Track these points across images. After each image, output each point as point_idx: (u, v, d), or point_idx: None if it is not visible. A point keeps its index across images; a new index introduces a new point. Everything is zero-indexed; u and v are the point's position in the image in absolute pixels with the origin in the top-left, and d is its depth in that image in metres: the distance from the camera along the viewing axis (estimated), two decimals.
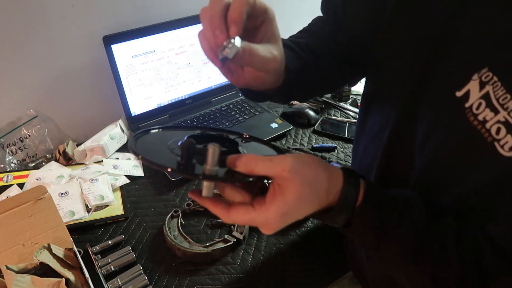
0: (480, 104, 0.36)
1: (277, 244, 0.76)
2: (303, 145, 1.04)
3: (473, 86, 0.37)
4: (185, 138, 0.42)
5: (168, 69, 1.08)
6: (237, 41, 0.39)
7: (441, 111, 0.42)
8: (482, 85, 0.36)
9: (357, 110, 1.18)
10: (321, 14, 0.67)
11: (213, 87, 1.18)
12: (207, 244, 0.73)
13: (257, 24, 0.44)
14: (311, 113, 1.13)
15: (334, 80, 0.63)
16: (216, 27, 0.39)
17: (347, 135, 1.06)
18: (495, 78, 0.35)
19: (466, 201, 0.42)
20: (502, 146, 0.35)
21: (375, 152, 0.54)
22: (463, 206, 0.43)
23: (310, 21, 0.71)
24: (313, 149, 1.02)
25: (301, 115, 1.13)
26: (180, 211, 0.80)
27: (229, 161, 0.40)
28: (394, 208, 0.42)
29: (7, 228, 0.62)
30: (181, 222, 0.79)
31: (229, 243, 0.73)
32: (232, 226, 0.77)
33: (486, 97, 0.36)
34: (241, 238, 0.75)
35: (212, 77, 1.17)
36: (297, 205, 0.39)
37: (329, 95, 1.26)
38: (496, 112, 0.35)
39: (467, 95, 0.38)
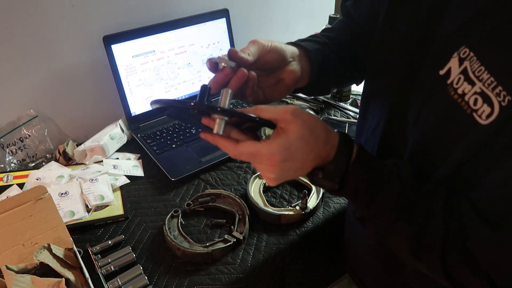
0: (459, 79, 0.40)
1: (277, 244, 0.76)
2: None
3: (453, 63, 0.41)
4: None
5: (168, 69, 1.08)
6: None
7: (428, 91, 0.45)
8: (461, 61, 0.40)
9: (357, 110, 1.18)
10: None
11: None
12: (207, 244, 0.73)
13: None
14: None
15: (353, 69, 0.66)
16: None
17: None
18: (472, 54, 0.39)
19: (454, 174, 0.45)
20: (480, 116, 0.39)
21: (374, 142, 0.57)
22: (451, 180, 0.46)
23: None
24: None
25: None
26: (180, 211, 0.80)
27: (241, 110, 0.46)
28: (383, 166, 0.47)
29: (7, 228, 0.62)
30: (181, 222, 0.79)
31: (229, 243, 0.73)
32: (232, 226, 0.78)
33: (464, 72, 0.39)
34: (241, 238, 0.75)
35: (212, 77, 1.17)
36: (298, 143, 0.43)
37: (329, 95, 1.26)
38: (473, 84, 0.39)
39: (448, 72, 0.41)
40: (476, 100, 0.38)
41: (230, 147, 0.44)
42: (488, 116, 0.38)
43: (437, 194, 0.45)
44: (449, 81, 0.41)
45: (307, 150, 0.44)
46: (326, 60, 0.60)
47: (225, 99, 0.46)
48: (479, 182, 0.43)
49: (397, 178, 0.46)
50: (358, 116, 0.66)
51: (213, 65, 0.51)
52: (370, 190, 0.46)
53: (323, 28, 1.22)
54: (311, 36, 0.64)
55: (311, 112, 0.46)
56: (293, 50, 0.57)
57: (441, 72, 0.42)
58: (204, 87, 0.47)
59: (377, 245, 0.52)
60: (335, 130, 0.48)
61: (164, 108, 0.49)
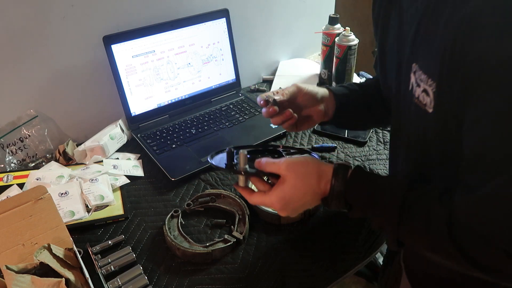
0: (416, 86, 0.51)
1: (277, 244, 0.76)
2: (303, 145, 1.04)
3: (413, 78, 0.52)
4: (227, 149, 0.66)
5: (168, 69, 1.08)
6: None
7: (406, 106, 0.56)
8: (414, 74, 0.51)
9: None
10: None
11: (213, 87, 1.18)
12: (207, 244, 0.73)
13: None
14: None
15: (379, 113, 0.79)
16: None
17: (347, 135, 1.06)
18: (417, 66, 0.51)
19: (446, 166, 0.53)
20: (428, 107, 0.49)
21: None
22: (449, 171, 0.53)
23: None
24: (313, 149, 1.01)
25: None
26: (180, 211, 0.80)
27: (255, 163, 0.62)
28: (378, 178, 0.59)
29: (7, 228, 0.62)
30: (181, 222, 0.79)
31: (229, 243, 0.73)
32: (232, 226, 0.78)
33: (415, 81, 0.51)
34: (241, 238, 0.75)
35: (212, 77, 1.17)
36: (292, 191, 0.58)
37: None
38: (419, 86, 0.50)
39: (412, 86, 0.52)
40: (423, 96, 0.50)
41: (247, 197, 0.63)
42: (430, 104, 0.49)
43: (432, 189, 0.51)
44: (413, 92, 0.52)
45: (301, 195, 0.58)
46: (350, 103, 0.76)
47: (243, 161, 0.61)
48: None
49: (391, 187, 0.54)
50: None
51: (265, 102, 0.70)
52: (370, 203, 0.54)
53: (323, 28, 1.22)
54: (349, 84, 0.81)
55: (307, 156, 0.66)
56: (324, 92, 0.75)
57: (409, 88, 0.53)
58: (229, 152, 0.65)
59: (399, 249, 0.58)
60: (334, 163, 0.59)
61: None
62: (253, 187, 0.66)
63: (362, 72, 1.36)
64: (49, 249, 0.63)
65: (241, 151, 0.61)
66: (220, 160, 0.68)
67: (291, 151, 0.73)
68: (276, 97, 0.70)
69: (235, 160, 0.64)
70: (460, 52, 0.42)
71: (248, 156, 0.62)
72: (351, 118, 0.79)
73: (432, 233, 0.49)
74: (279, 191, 0.58)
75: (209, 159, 0.68)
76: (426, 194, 0.51)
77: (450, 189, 0.49)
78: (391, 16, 0.61)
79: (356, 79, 1.27)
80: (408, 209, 0.51)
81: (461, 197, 0.47)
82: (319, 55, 1.32)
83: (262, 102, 0.70)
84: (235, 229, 0.77)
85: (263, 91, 1.31)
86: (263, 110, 0.71)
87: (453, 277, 0.60)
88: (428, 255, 0.53)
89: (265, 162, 0.60)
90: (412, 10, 0.53)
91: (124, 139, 1.04)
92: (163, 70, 1.07)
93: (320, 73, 1.31)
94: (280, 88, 0.72)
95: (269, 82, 1.35)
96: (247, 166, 0.61)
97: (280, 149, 0.72)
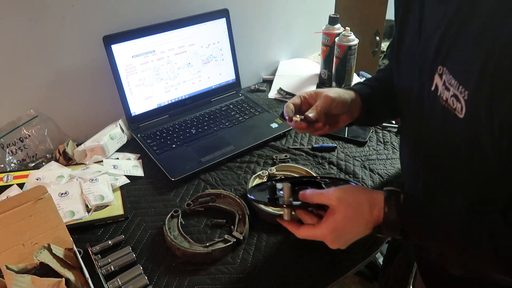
0: (443, 89, 0.50)
1: (277, 244, 0.76)
2: (303, 145, 1.04)
3: (437, 79, 0.52)
4: (269, 183, 0.66)
5: (168, 69, 1.08)
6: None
7: (429, 106, 0.55)
8: (440, 76, 0.51)
9: None
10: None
11: (213, 87, 1.18)
12: (207, 244, 0.73)
13: (309, 103, 0.72)
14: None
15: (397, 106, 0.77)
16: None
17: (347, 135, 1.06)
18: (445, 69, 0.50)
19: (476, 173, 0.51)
20: (459, 112, 0.48)
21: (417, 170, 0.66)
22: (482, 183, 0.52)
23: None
24: (313, 149, 1.02)
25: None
26: (180, 211, 0.80)
27: (300, 195, 0.61)
28: (431, 206, 0.55)
29: (7, 228, 0.62)
30: (181, 222, 0.79)
31: (229, 243, 0.73)
32: (232, 226, 0.78)
33: (444, 83, 0.50)
34: (241, 238, 0.75)
35: (212, 77, 1.17)
36: (344, 222, 0.55)
37: None
38: (448, 90, 0.49)
39: (436, 87, 0.52)
40: (453, 101, 0.48)
41: (294, 231, 0.60)
42: (461, 110, 0.48)
43: (490, 211, 0.50)
44: (438, 93, 0.51)
45: (354, 226, 0.55)
46: (375, 104, 0.74)
47: (287, 194, 0.59)
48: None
49: (448, 211, 0.52)
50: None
51: (290, 119, 0.68)
52: (429, 230, 0.53)
53: (323, 28, 1.22)
54: (367, 80, 0.81)
55: (356, 185, 0.63)
56: (352, 97, 0.72)
57: (432, 88, 0.53)
58: (271, 185, 0.65)
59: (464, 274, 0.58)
60: (384, 189, 0.56)
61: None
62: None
63: (362, 72, 1.36)
64: (49, 249, 0.63)
65: (285, 183, 0.61)
66: (260, 194, 0.68)
67: (328, 181, 0.71)
68: (311, 115, 0.67)
69: (277, 193, 0.63)
70: (502, 73, 0.41)
71: (276, 185, 0.62)
72: (375, 118, 0.80)
73: (501, 255, 0.48)
74: (330, 222, 0.56)
75: (249, 195, 0.66)
76: (488, 214, 0.49)
77: (505, 208, 0.48)
78: (411, 10, 0.59)
79: (356, 79, 1.27)
80: (470, 233, 0.50)
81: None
82: (319, 55, 1.32)
83: (288, 117, 0.68)
84: (235, 229, 0.77)
85: (263, 91, 1.31)
86: (291, 123, 0.69)
87: (469, 277, 0.60)
88: (497, 277, 0.52)
89: (311, 194, 0.59)
90: (440, 10, 0.51)
91: (124, 139, 1.04)
92: (163, 70, 1.07)
93: (320, 73, 1.31)
94: (295, 96, 0.72)
95: (269, 82, 1.35)
96: (291, 199, 0.60)
97: (319, 179, 0.72)
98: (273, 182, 0.66)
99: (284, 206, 0.60)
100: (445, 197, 0.57)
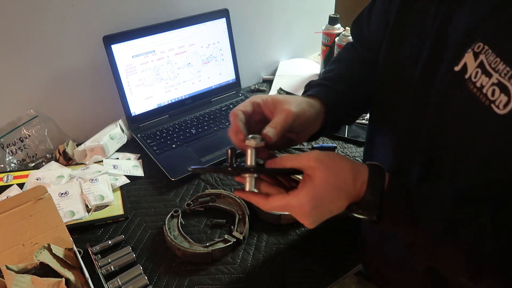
0: (477, 72, 0.41)
1: (277, 244, 0.76)
2: (303, 144, 1.04)
3: (468, 58, 0.42)
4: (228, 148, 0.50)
5: (168, 69, 1.08)
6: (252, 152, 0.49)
7: (445, 89, 0.46)
8: (476, 55, 0.41)
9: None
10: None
11: (213, 87, 1.18)
12: (207, 244, 0.73)
13: (259, 111, 0.55)
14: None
15: (368, 100, 0.67)
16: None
17: (347, 135, 1.06)
18: (486, 47, 0.40)
19: (483, 171, 0.45)
20: (497, 106, 0.39)
21: (386, 152, 0.58)
22: (483, 184, 0.46)
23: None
24: (313, 149, 1.02)
25: None
26: (180, 211, 0.80)
27: (266, 164, 0.49)
28: (420, 191, 0.47)
29: (7, 228, 0.62)
30: (181, 222, 0.79)
31: (229, 243, 0.73)
32: (232, 226, 0.77)
33: (481, 65, 0.41)
34: (241, 238, 0.75)
35: (212, 77, 1.17)
36: (325, 189, 0.44)
37: None
38: (490, 76, 0.40)
39: (465, 67, 0.42)
40: (493, 91, 0.39)
41: (261, 202, 0.47)
42: (505, 105, 0.39)
43: (482, 211, 0.44)
44: (467, 76, 0.42)
45: (335, 194, 0.45)
46: (339, 110, 0.61)
47: (251, 158, 0.48)
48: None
49: (436, 202, 0.45)
50: (368, 122, 0.69)
51: (238, 138, 0.51)
52: (410, 218, 0.45)
53: (323, 28, 1.22)
54: (329, 79, 0.64)
55: (335, 152, 0.50)
56: (318, 111, 0.58)
57: (456, 69, 0.43)
58: (231, 150, 0.49)
59: (427, 270, 0.51)
60: (367, 163, 0.48)
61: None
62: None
63: None
64: (49, 249, 0.63)
65: (247, 148, 0.48)
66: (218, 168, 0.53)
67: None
68: (270, 134, 0.50)
69: (237, 161, 0.50)
70: None
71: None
72: (338, 127, 0.66)
73: (479, 266, 0.43)
74: (308, 187, 0.45)
75: (191, 167, 0.51)
76: (476, 216, 0.43)
77: (501, 209, 0.43)
78: None
79: None
80: (453, 233, 0.44)
81: None
82: (319, 55, 1.32)
83: (235, 134, 0.51)
84: (235, 229, 0.77)
85: (263, 91, 1.31)
86: (230, 130, 0.52)
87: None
88: (462, 280, 0.46)
89: (284, 157, 0.48)
90: None
91: (124, 139, 1.04)
92: (163, 70, 1.07)
93: (320, 73, 1.31)
94: (277, 91, 0.59)
95: (269, 82, 1.35)
96: (257, 162, 0.49)
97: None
98: (232, 147, 0.50)
99: (249, 171, 0.47)
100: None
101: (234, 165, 0.47)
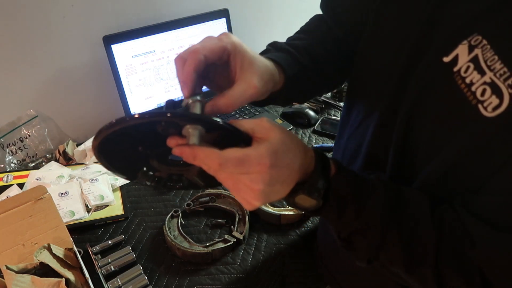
0: (468, 67, 0.37)
1: (277, 244, 0.76)
2: None
3: (461, 50, 0.38)
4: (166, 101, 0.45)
5: (168, 69, 1.08)
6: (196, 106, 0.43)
7: (431, 79, 0.41)
8: (471, 49, 0.37)
9: None
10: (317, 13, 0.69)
11: None
12: (207, 244, 0.73)
13: (224, 60, 0.45)
14: (311, 113, 1.13)
15: (334, 78, 0.63)
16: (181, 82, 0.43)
17: None
18: (485, 41, 0.36)
19: (447, 172, 0.42)
20: (485, 108, 0.36)
21: (361, 138, 0.54)
22: (443, 180, 0.43)
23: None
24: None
25: (301, 115, 1.13)
26: (180, 211, 0.80)
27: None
28: (365, 178, 0.45)
29: (7, 228, 0.62)
30: (181, 222, 0.79)
31: (229, 243, 0.73)
32: (232, 226, 0.77)
33: (474, 60, 0.37)
34: (241, 238, 0.75)
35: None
36: (283, 147, 0.39)
37: (329, 95, 1.26)
38: (483, 74, 0.36)
39: (455, 59, 0.38)
40: (484, 90, 0.36)
41: (214, 155, 0.38)
42: (495, 108, 0.35)
43: (422, 200, 0.43)
44: (455, 69, 0.38)
45: (291, 156, 0.40)
46: (298, 85, 0.55)
47: (197, 111, 0.42)
48: (478, 183, 0.40)
49: (382, 187, 0.44)
50: (342, 112, 0.64)
51: (187, 91, 0.44)
52: (357, 201, 0.43)
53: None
54: (293, 46, 0.57)
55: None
56: (276, 80, 0.50)
57: (446, 60, 0.39)
58: (171, 102, 0.44)
59: (368, 268, 0.47)
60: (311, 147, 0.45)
61: (117, 136, 0.42)
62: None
63: None
64: (49, 249, 0.63)
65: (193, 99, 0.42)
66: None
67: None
68: (224, 107, 0.44)
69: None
70: None
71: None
72: (290, 102, 0.60)
73: (415, 256, 0.42)
74: (268, 143, 0.39)
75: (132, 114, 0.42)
76: (416, 205, 0.42)
77: (435, 202, 0.42)
78: None
79: None
80: (396, 219, 0.42)
81: (484, 236, 0.39)
82: None
83: (186, 89, 0.44)
84: (235, 229, 0.77)
85: None
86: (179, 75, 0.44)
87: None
88: (399, 273, 0.45)
89: (234, 120, 0.42)
90: None
91: None
92: (163, 70, 1.07)
93: None
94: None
95: None
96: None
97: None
98: (172, 99, 0.44)
99: (198, 120, 0.39)
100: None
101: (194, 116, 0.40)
